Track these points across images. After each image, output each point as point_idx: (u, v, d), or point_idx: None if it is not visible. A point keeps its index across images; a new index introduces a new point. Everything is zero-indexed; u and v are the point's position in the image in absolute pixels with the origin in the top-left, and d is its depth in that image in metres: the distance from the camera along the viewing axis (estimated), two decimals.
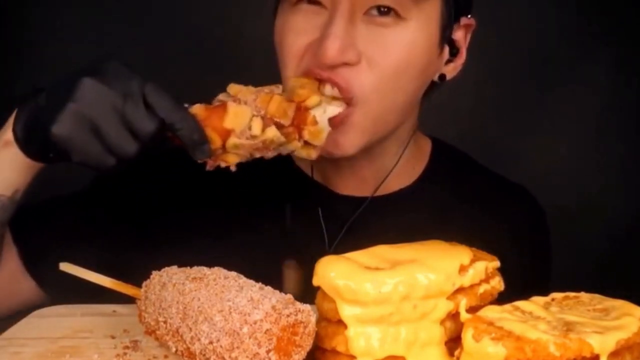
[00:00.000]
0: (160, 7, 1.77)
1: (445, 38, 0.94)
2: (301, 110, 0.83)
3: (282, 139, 0.82)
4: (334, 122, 0.88)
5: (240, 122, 0.79)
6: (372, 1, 0.87)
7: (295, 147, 0.84)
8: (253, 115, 0.80)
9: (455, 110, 1.19)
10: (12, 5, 1.75)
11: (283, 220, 1.02)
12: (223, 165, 0.81)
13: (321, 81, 0.88)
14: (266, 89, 0.83)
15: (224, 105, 0.80)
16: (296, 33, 0.91)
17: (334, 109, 0.87)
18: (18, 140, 0.83)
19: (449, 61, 0.97)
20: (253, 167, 0.87)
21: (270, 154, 0.83)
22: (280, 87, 0.85)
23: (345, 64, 0.88)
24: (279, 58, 0.94)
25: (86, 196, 1.05)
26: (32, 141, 0.82)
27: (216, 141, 0.79)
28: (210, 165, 0.81)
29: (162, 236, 1.01)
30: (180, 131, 0.77)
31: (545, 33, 1.74)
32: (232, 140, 0.79)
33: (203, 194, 1.04)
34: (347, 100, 0.89)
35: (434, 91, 1.00)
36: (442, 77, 0.97)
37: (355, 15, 0.88)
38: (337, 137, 0.90)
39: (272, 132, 0.80)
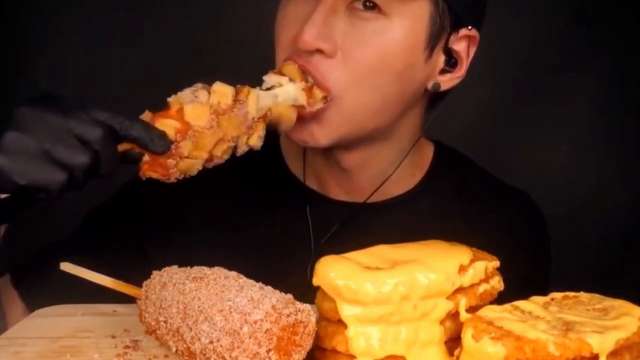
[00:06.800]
0: (159, 9, 1.77)
1: (435, 44, 0.91)
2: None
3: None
4: (306, 114, 0.88)
5: (198, 117, 0.79)
6: None
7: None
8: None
9: (454, 115, 1.19)
10: (11, 7, 1.75)
11: (272, 224, 1.02)
12: (177, 175, 0.80)
13: (304, 71, 0.88)
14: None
15: (168, 105, 0.80)
16: (285, 24, 0.91)
17: (289, 93, 0.86)
18: None
19: (446, 71, 0.95)
20: (248, 172, 0.87)
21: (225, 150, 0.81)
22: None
23: (320, 53, 0.88)
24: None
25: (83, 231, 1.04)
26: None
27: (170, 133, 0.77)
28: (170, 173, 0.78)
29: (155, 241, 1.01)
30: (131, 129, 0.74)
31: (544, 40, 1.75)
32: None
33: (194, 200, 1.04)
34: (325, 92, 0.89)
35: (439, 102, 0.99)
36: (436, 86, 0.95)
37: (339, 7, 0.88)
38: (313, 128, 0.90)
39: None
